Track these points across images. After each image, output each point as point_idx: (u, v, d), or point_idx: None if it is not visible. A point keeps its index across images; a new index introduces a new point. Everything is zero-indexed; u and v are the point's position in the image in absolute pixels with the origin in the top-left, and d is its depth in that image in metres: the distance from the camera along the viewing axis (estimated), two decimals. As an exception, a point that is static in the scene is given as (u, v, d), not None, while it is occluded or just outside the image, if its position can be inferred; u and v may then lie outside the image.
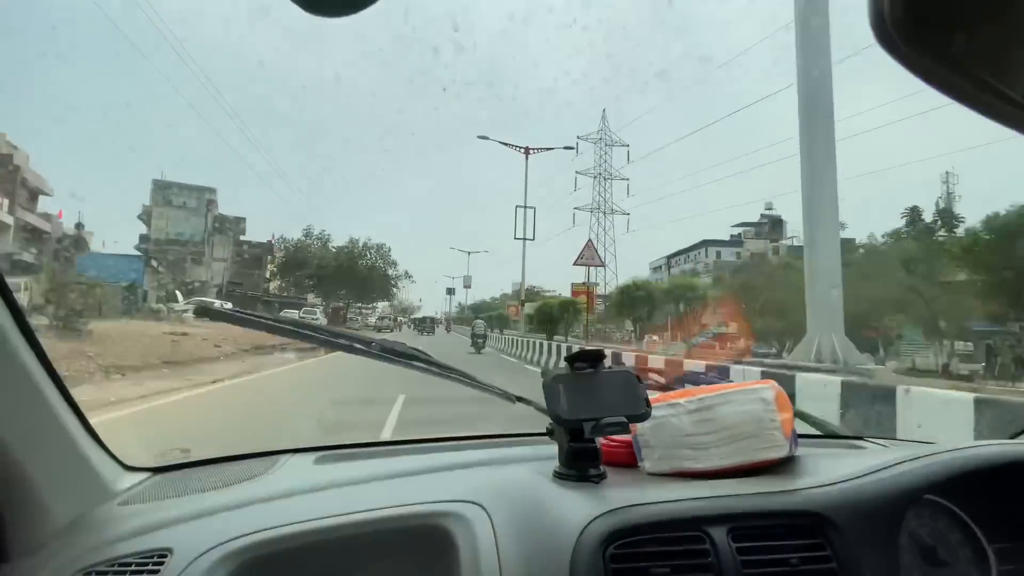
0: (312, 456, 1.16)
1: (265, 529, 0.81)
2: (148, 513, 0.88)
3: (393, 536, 0.84)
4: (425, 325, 44.04)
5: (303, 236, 41.80)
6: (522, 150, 31.46)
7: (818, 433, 1.33)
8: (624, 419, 0.86)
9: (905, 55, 0.32)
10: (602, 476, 0.90)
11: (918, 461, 0.84)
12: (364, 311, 48.25)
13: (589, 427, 0.87)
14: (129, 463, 1.04)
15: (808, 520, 0.76)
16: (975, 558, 0.85)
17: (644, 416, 0.90)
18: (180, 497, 0.94)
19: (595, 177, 57.37)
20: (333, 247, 42.00)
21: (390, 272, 43.92)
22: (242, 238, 50.64)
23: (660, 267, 59.19)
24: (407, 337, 26.14)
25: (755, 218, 55.26)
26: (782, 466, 0.91)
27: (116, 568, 0.76)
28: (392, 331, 38.14)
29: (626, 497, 0.78)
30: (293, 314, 24.92)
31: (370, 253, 42.74)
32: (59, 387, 0.81)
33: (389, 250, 43.59)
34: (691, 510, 0.76)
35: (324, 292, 42.18)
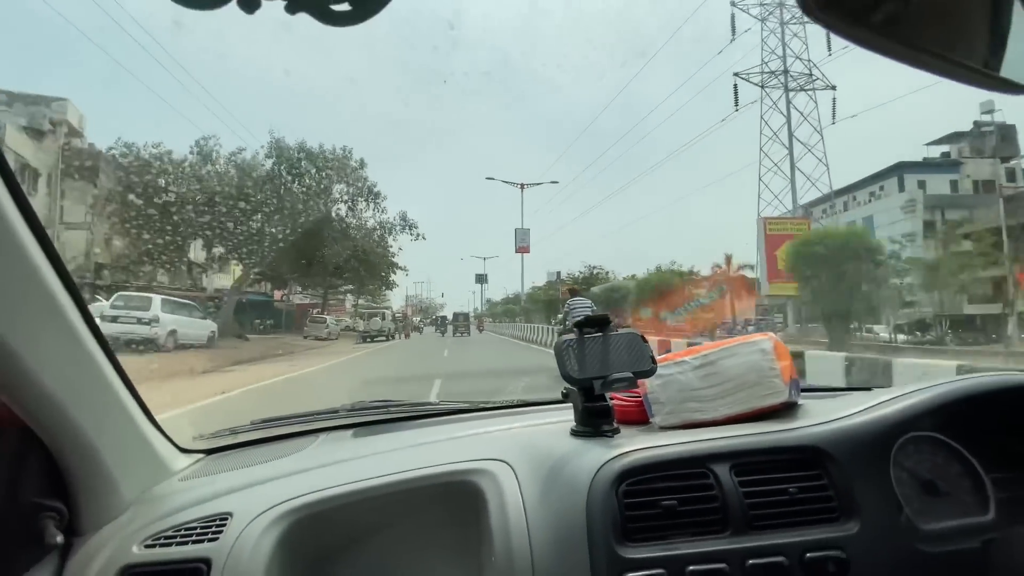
0: (349, 432, 1.26)
1: (312, 492, 0.90)
2: (206, 485, 0.98)
3: (427, 493, 0.92)
4: (458, 323, 35.84)
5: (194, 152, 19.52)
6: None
7: (821, 386, 1.38)
8: (631, 374, 0.93)
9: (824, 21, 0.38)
10: (615, 431, 0.97)
11: (908, 396, 0.89)
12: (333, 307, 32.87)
13: (598, 384, 0.94)
14: (183, 446, 1.14)
15: (805, 454, 0.83)
16: (973, 488, 0.89)
17: (650, 372, 0.97)
18: (233, 471, 1.04)
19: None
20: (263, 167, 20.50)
21: (389, 244, 25.92)
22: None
23: (825, 203, 34.03)
24: (424, 344, 22.26)
25: (964, 127, 32.55)
26: (785, 411, 0.97)
27: (182, 533, 0.85)
28: (390, 338, 26.00)
29: (636, 444, 0.85)
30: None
31: (351, 196, 22.92)
32: (121, 375, 0.90)
33: (383, 197, 23.90)
34: (695, 450, 0.83)
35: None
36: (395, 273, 29.47)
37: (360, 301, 36.73)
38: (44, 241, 0.69)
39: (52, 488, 0.80)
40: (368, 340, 23.93)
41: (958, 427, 0.91)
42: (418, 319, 44.46)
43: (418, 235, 25.58)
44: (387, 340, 25.34)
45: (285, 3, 0.44)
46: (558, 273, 41.80)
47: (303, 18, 0.46)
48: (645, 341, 1.01)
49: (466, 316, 38.94)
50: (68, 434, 0.78)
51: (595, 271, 35.17)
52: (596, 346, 0.98)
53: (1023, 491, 0.90)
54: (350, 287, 31.67)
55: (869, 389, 1.38)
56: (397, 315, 33.95)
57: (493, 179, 40.56)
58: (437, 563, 0.90)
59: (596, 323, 1.00)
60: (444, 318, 40.43)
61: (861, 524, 0.77)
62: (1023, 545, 0.74)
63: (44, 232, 0.70)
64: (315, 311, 27.64)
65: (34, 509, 0.77)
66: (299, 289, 30.50)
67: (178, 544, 0.83)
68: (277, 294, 29.64)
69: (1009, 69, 0.49)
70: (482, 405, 1.42)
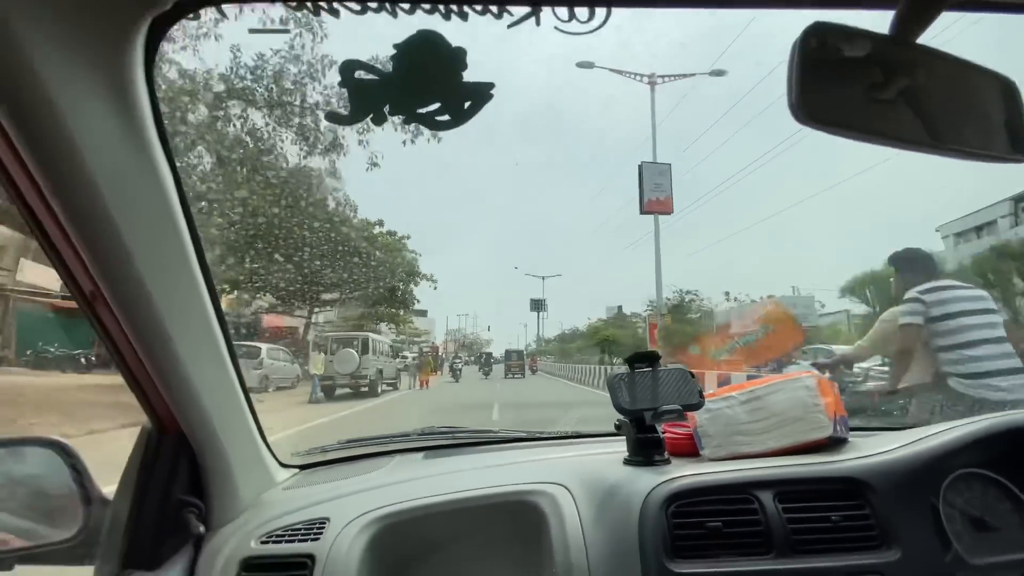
0: (421, 453, 1.40)
1: (395, 503, 1.04)
2: (306, 495, 1.14)
3: (494, 511, 1.03)
4: (511, 362, 28.84)
5: None
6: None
7: (881, 426, 1.39)
8: (679, 407, 1.02)
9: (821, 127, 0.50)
10: (666, 461, 1.05)
11: (949, 431, 0.92)
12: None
13: (649, 416, 1.03)
14: (283, 461, 1.32)
15: (849, 486, 0.87)
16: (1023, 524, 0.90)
17: (698, 405, 1.05)
18: (326, 483, 1.20)
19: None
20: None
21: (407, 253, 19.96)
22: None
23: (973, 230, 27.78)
24: (448, 398, 13.53)
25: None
26: (831, 447, 1.02)
27: (289, 533, 1.01)
28: (377, 390, 15.10)
29: (685, 471, 0.93)
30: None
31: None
32: (247, 396, 1.09)
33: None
34: (741, 478, 0.90)
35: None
36: (416, 283, 20.25)
37: (385, 329, 24.76)
38: (201, 256, 0.84)
39: (194, 487, 0.99)
40: (333, 393, 13.95)
41: (1009, 464, 0.93)
42: (459, 359, 34.05)
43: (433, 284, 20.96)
44: (372, 394, 14.46)
45: (403, 118, 0.62)
46: (619, 307, 38.21)
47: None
48: (694, 376, 1.09)
49: (520, 354, 30.99)
50: (211, 441, 0.96)
51: (688, 297, 25.55)
52: (646, 380, 1.07)
53: None
54: (334, 295, 19.09)
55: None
56: (425, 349, 27.10)
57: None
58: (502, 573, 1.01)
59: (646, 359, 1.10)
60: (488, 355, 32.16)
61: (903, 552, 0.81)
62: None
63: (205, 259, 0.84)
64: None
65: (181, 504, 0.95)
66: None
67: (287, 542, 0.99)
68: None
69: (1001, 145, 0.58)
70: (540, 434, 1.52)
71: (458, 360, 25.71)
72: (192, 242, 0.81)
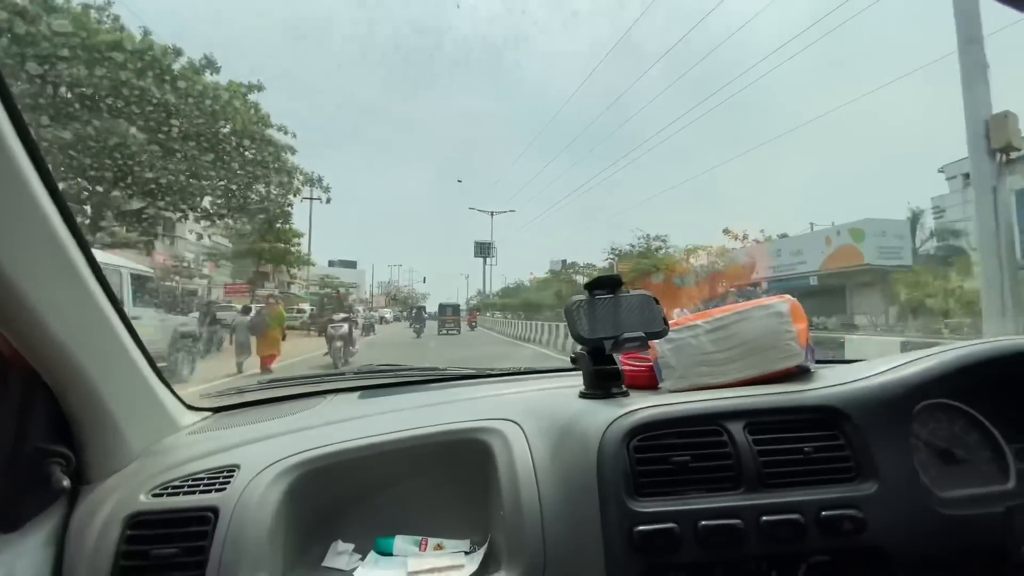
0: (356, 394, 1.25)
1: (321, 446, 0.89)
2: (214, 439, 0.97)
3: (436, 450, 0.91)
4: (445, 317, 26.11)
5: None
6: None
7: (844, 359, 1.36)
8: (643, 334, 0.91)
9: None
10: (625, 393, 0.96)
11: (923, 360, 0.87)
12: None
13: (609, 344, 0.92)
14: (191, 403, 1.14)
15: (822, 415, 0.81)
16: (994, 457, 0.88)
17: (662, 333, 0.95)
18: (240, 427, 1.04)
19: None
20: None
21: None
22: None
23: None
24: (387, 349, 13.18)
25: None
26: (799, 376, 0.95)
27: (189, 483, 0.85)
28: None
29: (647, 402, 0.84)
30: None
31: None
32: (130, 331, 0.90)
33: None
34: (708, 408, 0.81)
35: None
36: (296, 192, 15.74)
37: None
38: (45, 175, 0.67)
39: (58, 435, 0.80)
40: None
41: (978, 395, 0.89)
42: (386, 313, 33.24)
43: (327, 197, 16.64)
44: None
45: None
46: (563, 261, 37.40)
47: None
48: (657, 303, 0.98)
49: (455, 308, 28.29)
50: (73, 379, 0.77)
51: (655, 244, 23.52)
52: (607, 307, 0.96)
53: None
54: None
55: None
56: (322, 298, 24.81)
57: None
58: (446, 518, 0.90)
59: (607, 284, 0.98)
60: (421, 310, 26.95)
61: (879, 485, 0.75)
62: None
63: (46, 166, 0.67)
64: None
65: (40, 455, 0.77)
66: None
67: (185, 493, 0.83)
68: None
69: None
70: (490, 371, 1.41)
71: (372, 315, 23.11)
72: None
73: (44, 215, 0.67)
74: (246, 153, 13.82)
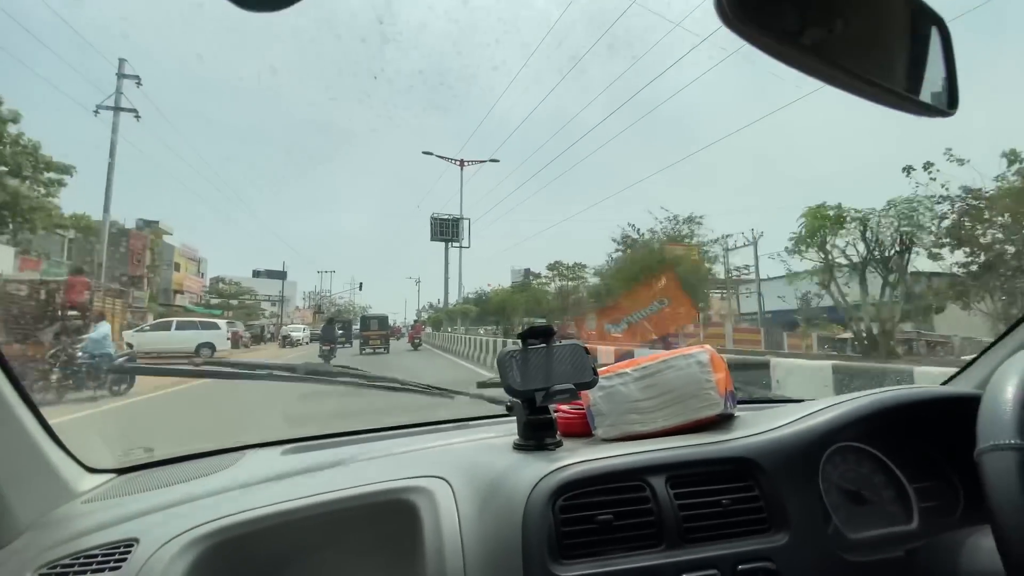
0: (278, 448, 1.18)
1: (231, 514, 0.83)
2: (112, 508, 0.89)
3: (359, 513, 0.87)
4: (369, 332, 21.40)
5: None
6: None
7: (758, 398, 1.43)
8: (572, 386, 0.92)
9: (745, 32, 0.38)
10: (558, 444, 0.96)
11: (833, 408, 0.92)
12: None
13: (540, 396, 0.92)
14: (91, 465, 1.04)
15: (738, 466, 0.84)
16: (897, 496, 0.93)
17: (592, 383, 0.97)
18: (143, 492, 0.96)
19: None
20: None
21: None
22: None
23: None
24: None
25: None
26: (720, 423, 0.99)
27: (81, 561, 0.77)
28: None
29: (575, 457, 0.84)
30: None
31: None
32: (16, 387, 0.81)
33: None
34: (632, 463, 0.82)
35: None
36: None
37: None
38: None
39: None
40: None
41: (882, 438, 0.95)
42: (295, 331, 28.46)
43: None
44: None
45: None
46: (526, 270, 33.72)
47: (218, 2, 0.43)
48: (588, 352, 1.00)
49: (382, 321, 22.91)
50: None
51: (683, 229, 20.11)
52: (539, 357, 0.96)
53: (945, 500, 0.94)
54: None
55: (802, 401, 1.43)
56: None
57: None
58: None
59: (540, 334, 0.99)
60: (338, 325, 19.08)
61: (790, 534, 0.78)
62: (946, 553, 0.77)
63: None
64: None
65: None
66: None
67: (76, 574, 0.75)
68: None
69: (928, 94, 0.52)
70: (423, 420, 1.38)
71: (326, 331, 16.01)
72: None
73: None
74: None
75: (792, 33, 0.40)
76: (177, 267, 38.10)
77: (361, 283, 49.45)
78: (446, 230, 37.04)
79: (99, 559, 0.77)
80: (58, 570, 0.76)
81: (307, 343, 27.59)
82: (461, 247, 36.78)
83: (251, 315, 38.87)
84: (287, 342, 27.29)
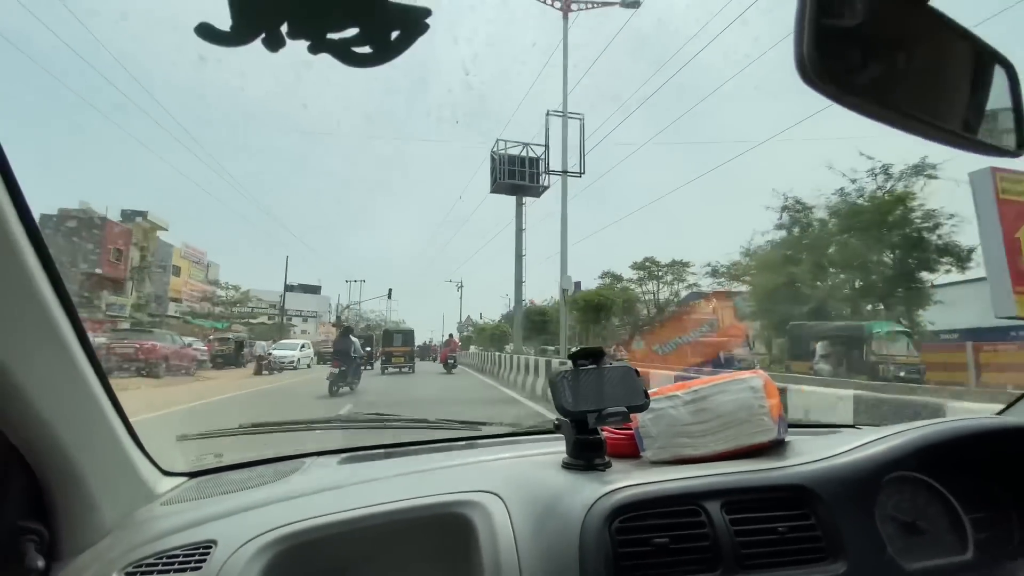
0: (335, 458, 1.24)
1: (300, 520, 0.88)
2: (190, 511, 0.95)
3: (416, 524, 0.91)
4: (392, 347, 18.92)
5: None
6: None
7: (807, 423, 1.40)
8: (624, 409, 0.94)
9: (825, 91, 0.41)
10: (607, 465, 0.97)
11: (891, 438, 0.91)
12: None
13: (592, 418, 0.94)
14: (166, 468, 1.12)
15: (794, 493, 0.83)
16: (952, 528, 0.92)
17: (643, 407, 0.98)
18: (217, 496, 1.02)
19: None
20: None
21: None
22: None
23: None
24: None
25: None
26: (773, 449, 0.98)
27: (164, 561, 0.83)
28: None
29: (629, 480, 0.85)
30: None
31: None
32: (107, 390, 0.89)
33: None
34: (687, 487, 0.83)
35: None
36: None
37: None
38: (41, 249, 0.68)
39: (34, 510, 0.78)
40: None
41: (938, 467, 0.93)
42: (291, 351, 21.24)
43: None
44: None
45: (308, 44, 0.47)
46: (577, 283, 23.89)
47: (323, 57, 0.48)
48: (639, 375, 1.02)
49: (407, 336, 20.11)
50: (53, 454, 0.76)
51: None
52: (591, 379, 0.98)
53: (1001, 531, 0.92)
54: None
55: (854, 427, 1.40)
56: None
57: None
58: None
59: (591, 355, 1.01)
60: (359, 340, 13.06)
61: (848, 564, 0.78)
62: None
63: (42, 240, 0.68)
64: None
65: (15, 531, 0.75)
66: None
67: (159, 573, 0.81)
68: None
69: (987, 132, 0.53)
70: (472, 435, 1.41)
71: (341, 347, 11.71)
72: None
73: (36, 288, 0.68)
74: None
75: (867, 87, 0.43)
76: (176, 271, 32.06)
77: (391, 289, 44.37)
78: (522, 169, 21.80)
79: (181, 559, 0.83)
80: (142, 569, 0.82)
81: (310, 366, 20.87)
82: (524, 207, 22.15)
83: (254, 328, 35.03)
84: (266, 366, 17.99)
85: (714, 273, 21.48)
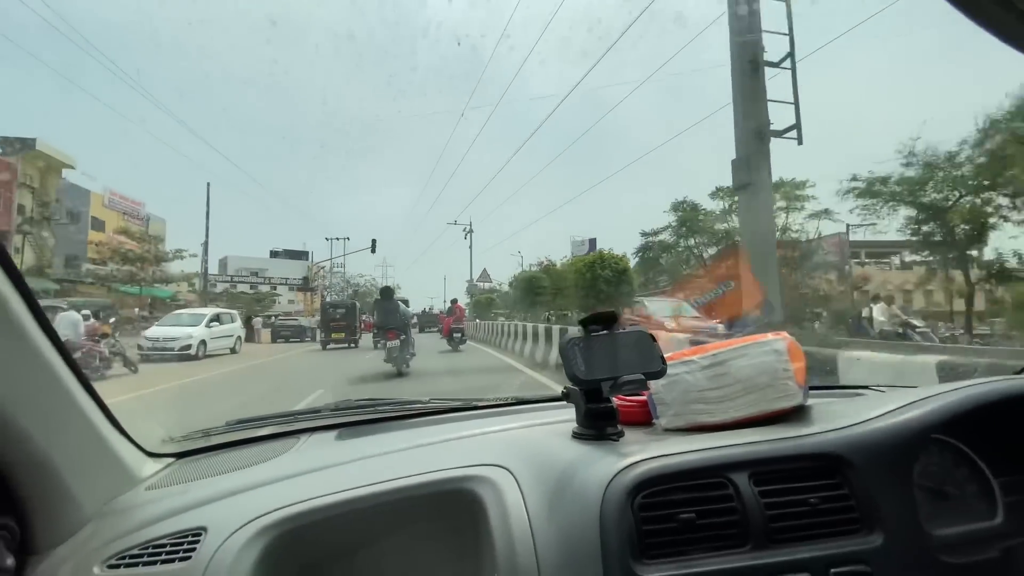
0: (332, 433, 1.18)
1: (296, 503, 0.82)
2: (177, 496, 0.89)
3: (421, 503, 0.85)
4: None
5: None
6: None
7: (823, 384, 1.36)
8: (642, 376, 0.88)
9: None
10: (620, 434, 0.92)
11: (927, 401, 0.86)
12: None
13: (607, 386, 0.88)
14: (151, 450, 1.05)
15: (826, 462, 0.78)
16: (981, 491, 0.88)
17: (661, 373, 0.92)
18: (207, 479, 0.96)
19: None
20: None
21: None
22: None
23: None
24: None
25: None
26: (795, 414, 0.93)
27: (151, 550, 0.77)
28: None
29: (648, 451, 0.80)
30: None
31: None
32: (76, 373, 0.81)
33: None
34: (713, 458, 0.78)
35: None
36: None
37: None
38: None
39: (1, 504, 0.71)
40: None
41: (966, 429, 0.89)
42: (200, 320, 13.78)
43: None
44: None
45: None
46: (591, 240, 26.54)
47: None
48: (654, 340, 0.95)
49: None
50: (14, 442, 0.68)
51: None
52: (604, 345, 0.92)
53: None
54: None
55: (863, 387, 1.36)
56: None
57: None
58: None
59: (603, 320, 0.94)
60: (335, 310, 14.55)
61: (884, 536, 0.73)
62: None
63: None
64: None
65: None
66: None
67: (145, 564, 0.75)
68: None
69: None
70: (476, 403, 1.35)
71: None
72: None
73: None
74: None
75: None
76: (99, 224, 24.44)
77: (374, 241, 30.06)
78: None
79: (168, 548, 0.77)
80: (127, 560, 0.76)
81: (235, 349, 14.75)
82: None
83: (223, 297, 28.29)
84: (182, 354, 12.51)
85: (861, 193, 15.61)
